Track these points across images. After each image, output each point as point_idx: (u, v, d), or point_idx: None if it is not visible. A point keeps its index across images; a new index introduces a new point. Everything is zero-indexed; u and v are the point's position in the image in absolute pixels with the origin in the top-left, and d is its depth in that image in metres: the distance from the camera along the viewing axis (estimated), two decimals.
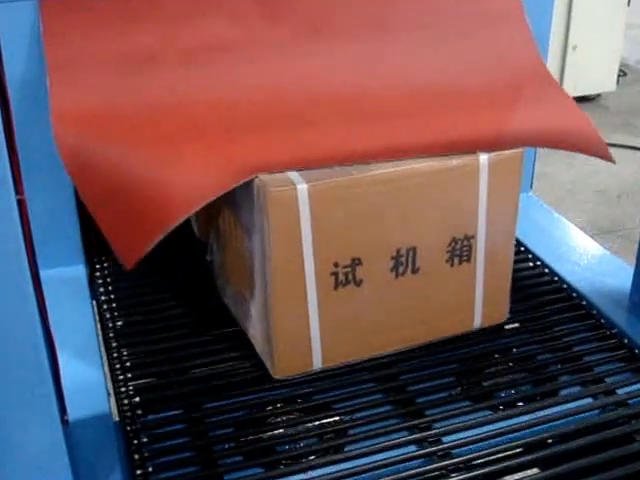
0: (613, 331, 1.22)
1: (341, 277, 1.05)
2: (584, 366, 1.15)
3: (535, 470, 0.98)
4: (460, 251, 1.10)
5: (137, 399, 1.08)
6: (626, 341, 1.19)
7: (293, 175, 1.01)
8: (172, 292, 1.32)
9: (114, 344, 1.20)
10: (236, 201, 1.10)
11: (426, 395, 1.09)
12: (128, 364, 1.15)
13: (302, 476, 0.97)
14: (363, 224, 1.04)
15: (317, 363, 1.10)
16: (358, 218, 1.04)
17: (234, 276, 1.18)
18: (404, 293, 1.10)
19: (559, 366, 1.15)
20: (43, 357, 0.79)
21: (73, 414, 1.01)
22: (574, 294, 1.31)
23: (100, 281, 1.37)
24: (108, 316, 1.27)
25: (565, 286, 1.33)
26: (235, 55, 1.18)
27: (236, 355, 1.16)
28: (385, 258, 1.07)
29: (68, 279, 1.35)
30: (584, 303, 1.29)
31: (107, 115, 1.09)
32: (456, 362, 1.15)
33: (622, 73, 4.11)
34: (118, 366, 1.15)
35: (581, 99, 3.89)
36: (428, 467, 0.97)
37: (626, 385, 1.11)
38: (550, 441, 1.01)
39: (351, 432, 1.03)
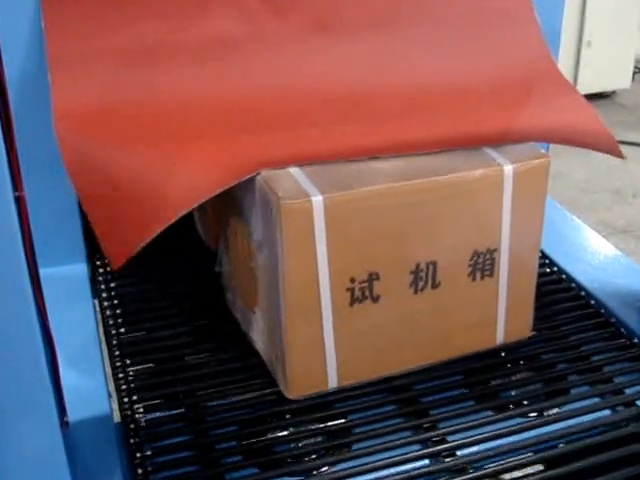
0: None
1: (357, 293, 1.00)
2: (593, 366, 1.13)
3: (540, 467, 0.98)
4: (482, 265, 1.05)
5: (138, 397, 1.07)
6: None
7: (308, 186, 0.96)
8: (176, 295, 1.29)
9: (116, 344, 1.18)
10: (246, 213, 1.06)
11: (437, 404, 1.07)
12: (129, 365, 1.13)
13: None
14: (381, 238, 0.99)
15: (332, 382, 1.05)
16: (376, 231, 0.98)
17: (244, 290, 1.13)
18: (423, 309, 1.05)
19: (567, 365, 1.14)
20: (41, 359, 0.76)
21: (73, 415, 1.00)
22: (582, 293, 1.29)
23: (102, 279, 1.34)
24: (109, 313, 1.25)
25: (574, 285, 1.31)
26: (240, 51, 1.15)
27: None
28: (404, 273, 1.02)
29: (70, 277, 1.32)
30: (592, 302, 1.27)
31: (109, 112, 1.06)
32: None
33: (637, 70, 4.05)
34: (120, 367, 1.13)
35: (596, 96, 3.84)
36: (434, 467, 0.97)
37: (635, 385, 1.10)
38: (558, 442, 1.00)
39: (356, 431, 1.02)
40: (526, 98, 1.20)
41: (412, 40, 1.24)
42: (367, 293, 1.01)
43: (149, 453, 0.99)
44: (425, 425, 1.03)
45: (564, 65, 3.69)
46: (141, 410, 1.05)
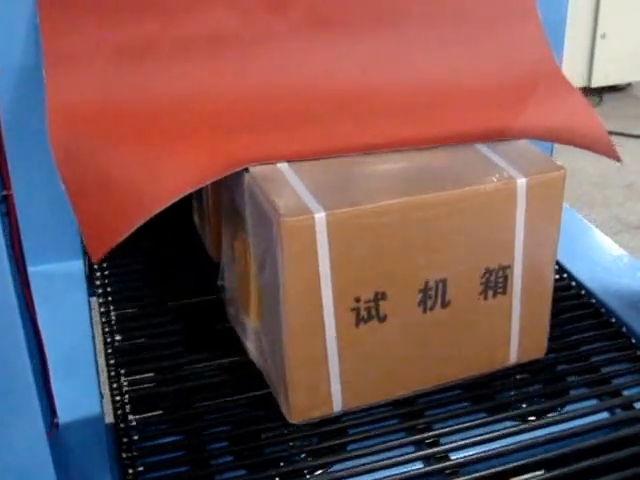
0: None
1: (363, 313, 0.95)
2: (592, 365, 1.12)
3: (541, 472, 0.96)
4: (495, 283, 1.00)
5: (131, 398, 1.05)
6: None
7: (309, 200, 0.91)
8: (174, 299, 1.27)
9: (109, 346, 1.16)
10: (247, 226, 1.01)
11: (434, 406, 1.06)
12: (122, 366, 1.11)
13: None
14: (388, 255, 0.94)
15: (337, 406, 1.00)
16: (382, 249, 0.93)
17: (246, 306, 1.08)
18: (432, 329, 1.00)
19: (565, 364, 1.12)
20: (26, 362, 0.73)
21: (64, 417, 0.99)
22: (584, 292, 1.27)
23: (98, 276, 1.32)
24: (104, 310, 1.23)
25: (577, 285, 1.29)
26: (236, 48, 1.13)
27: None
28: (412, 292, 0.96)
29: (65, 274, 1.30)
30: (593, 301, 1.25)
31: (102, 108, 1.05)
32: None
33: None
34: (113, 366, 1.11)
35: (611, 89, 3.77)
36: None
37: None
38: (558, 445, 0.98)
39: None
40: (526, 97, 1.18)
41: (412, 38, 1.21)
42: (373, 313, 0.96)
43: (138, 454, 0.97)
44: (419, 427, 1.01)
45: (579, 57, 3.63)
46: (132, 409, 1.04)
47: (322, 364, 0.96)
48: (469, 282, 0.99)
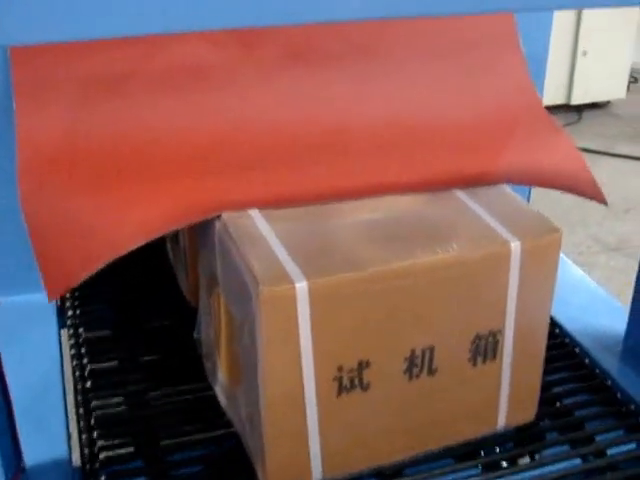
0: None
1: (345, 382, 0.90)
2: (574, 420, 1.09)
3: None
4: (485, 348, 0.95)
5: (100, 442, 1.01)
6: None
7: (289, 266, 0.85)
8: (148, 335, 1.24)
9: (79, 376, 1.13)
10: (225, 287, 0.95)
11: None
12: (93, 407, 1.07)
13: None
14: (373, 323, 0.88)
15: (317, 476, 0.94)
16: (367, 317, 0.88)
17: (223, 365, 1.02)
18: (418, 396, 0.94)
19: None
20: None
21: (30, 459, 0.98)
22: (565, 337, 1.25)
23: (69, 306, 1.29)
24: (74, 342, 1.20)
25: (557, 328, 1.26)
26: (209, 83, 1.09)
27: None
28: (397, 360, 0.91)
29: (35, 306, 1.25)
30: (568, 341, 1.23)
31: (71, 145, 1.03)
32: None
33: (633, 79, 3.98)
34: (82, 408, 1.07)
35: (591, 106, 3.76)
36: None
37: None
38: None
39: None
40: (508, 138, 1.14)
41: (390, 73, 1.16)
42: (356, 382, 0.90)
43: None
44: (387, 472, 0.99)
45: (559, 74, 3.61)
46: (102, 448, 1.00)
47: (301, 435, 0.91)
48: (458, 349, 0.93)
